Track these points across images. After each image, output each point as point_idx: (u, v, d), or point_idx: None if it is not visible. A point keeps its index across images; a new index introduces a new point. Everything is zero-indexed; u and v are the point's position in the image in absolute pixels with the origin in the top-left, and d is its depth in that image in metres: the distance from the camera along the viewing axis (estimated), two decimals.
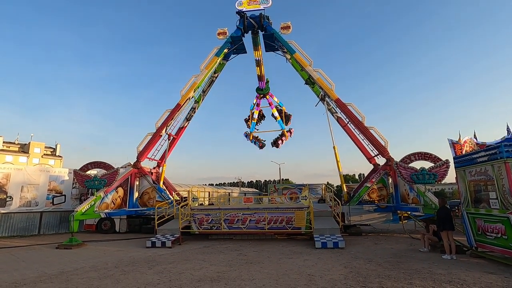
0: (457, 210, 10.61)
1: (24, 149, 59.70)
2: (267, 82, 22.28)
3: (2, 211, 14.70)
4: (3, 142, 56.68)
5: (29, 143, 59.63)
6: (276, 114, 22.61)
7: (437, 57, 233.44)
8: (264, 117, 23.53)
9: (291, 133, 22.49)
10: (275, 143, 22.52)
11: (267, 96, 22.83)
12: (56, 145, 65.10)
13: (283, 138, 22.18)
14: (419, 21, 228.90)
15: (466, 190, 8.66)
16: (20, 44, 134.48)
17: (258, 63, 20.51)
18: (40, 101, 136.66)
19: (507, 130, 13.36)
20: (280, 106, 22.69)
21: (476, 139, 12.12)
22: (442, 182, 13.05)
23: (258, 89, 22.53)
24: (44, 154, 61.08)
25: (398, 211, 14.55)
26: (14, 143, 59.63)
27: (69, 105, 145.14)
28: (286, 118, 22.49)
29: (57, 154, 63.93)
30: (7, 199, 14.98)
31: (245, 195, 34.55)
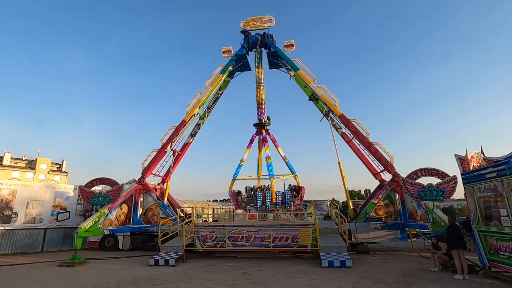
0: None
1: (31, 165, 60.32)
2: (269, 118, 20.54)
3: (7, 228, 14.69)
4: (11, 158, 57.44)
5: (36, 159, 60.30)
6: (283, 154, 19.90)
7: (441, 70, 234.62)
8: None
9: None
10: (296, 194, 17.95)
11: (268, 131, 20.17)
12: (62, 161, 65.69)
13: (302, 188, 18.83)
14: (423, 35, 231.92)
15: (475, 207, 8.45)
16: (31, 60, 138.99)
17: (258, 83, 20.47)
18: (49, 116, 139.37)
19: None
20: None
21: (484, 154, 11.95)
22: (450, 199, 12.80)
23: (256, 124, 20.27)
24: (50, 170, 61.54)
25: (406, 229, 14.21)
26: (21, 159, 60.33)
27: (77, 121, 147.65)
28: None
29: (63, 170, 64.38)
30: (12, 215, 15.01)
31: (249, 212, 34.11)
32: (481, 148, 12.33)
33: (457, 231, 8.60)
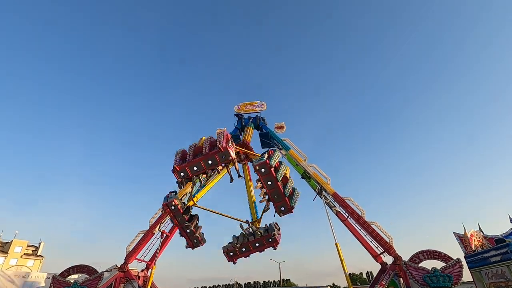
0: None
1: (4, 248, 55.29)
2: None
3: None
4: None
5: (11, 241, 55.69)
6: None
7: (430, 139, 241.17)
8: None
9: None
10: (270, 240, 17.25)
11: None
12: (39, 244, 60.59)
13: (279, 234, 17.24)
14: (411, 100, 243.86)
15: None
16: (34, 136, 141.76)
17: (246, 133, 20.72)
18: (32, 196, 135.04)
19: (510, 220, 13.00)
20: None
21: (482, 232, 11.71)
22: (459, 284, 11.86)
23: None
24: (24, 254, 56.14)
25: None
26: None
27: (61, 200, 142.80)
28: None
29: (38, 254, 58.85)
30: None
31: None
32: (479, 225, 12.17)
33: None
